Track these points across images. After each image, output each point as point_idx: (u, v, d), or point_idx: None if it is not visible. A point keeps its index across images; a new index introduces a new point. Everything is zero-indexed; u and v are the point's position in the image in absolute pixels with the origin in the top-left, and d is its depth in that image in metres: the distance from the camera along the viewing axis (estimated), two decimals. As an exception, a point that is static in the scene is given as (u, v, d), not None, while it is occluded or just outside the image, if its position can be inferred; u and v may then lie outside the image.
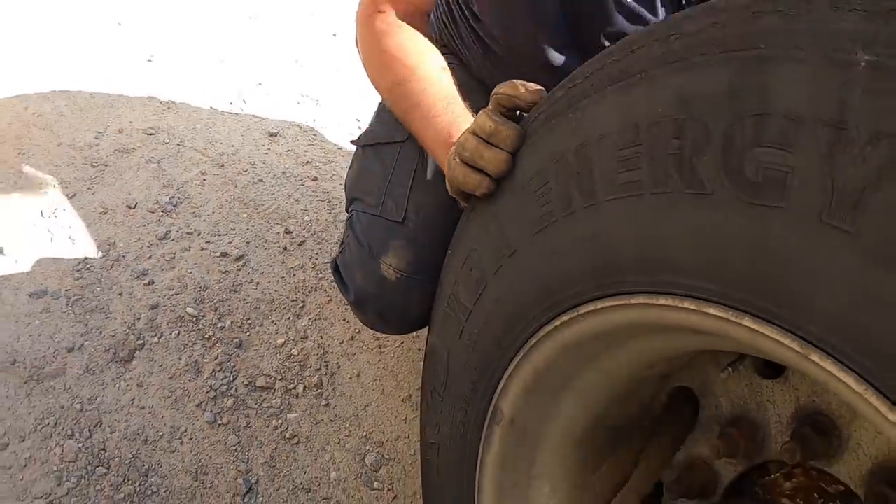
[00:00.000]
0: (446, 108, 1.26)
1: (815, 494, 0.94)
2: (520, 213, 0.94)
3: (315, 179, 2.37)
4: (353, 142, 1.71)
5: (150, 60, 2.70)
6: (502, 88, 0.99)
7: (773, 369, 0.94)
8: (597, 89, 0.79)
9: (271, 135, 2.50)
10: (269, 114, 2.61)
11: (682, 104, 0.70)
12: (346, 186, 1.65)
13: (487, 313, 1.04)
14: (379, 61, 1.39)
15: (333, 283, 2.08)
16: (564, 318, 0.91)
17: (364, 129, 1.70)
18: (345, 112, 2.74)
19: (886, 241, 0.57)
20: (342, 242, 1.58)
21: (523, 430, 1.10)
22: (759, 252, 0.65)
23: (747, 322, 0.68)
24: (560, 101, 0.86)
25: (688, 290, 0.73)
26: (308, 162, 2.44)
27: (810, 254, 0.62)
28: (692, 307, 0.73)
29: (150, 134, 2.38)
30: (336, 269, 1.56)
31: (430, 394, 1.28)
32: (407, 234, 1.44)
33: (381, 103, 1.73)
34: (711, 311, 0.71)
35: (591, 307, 0.87)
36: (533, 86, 0.97)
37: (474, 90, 1.41)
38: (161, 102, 2.53)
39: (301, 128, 2.59)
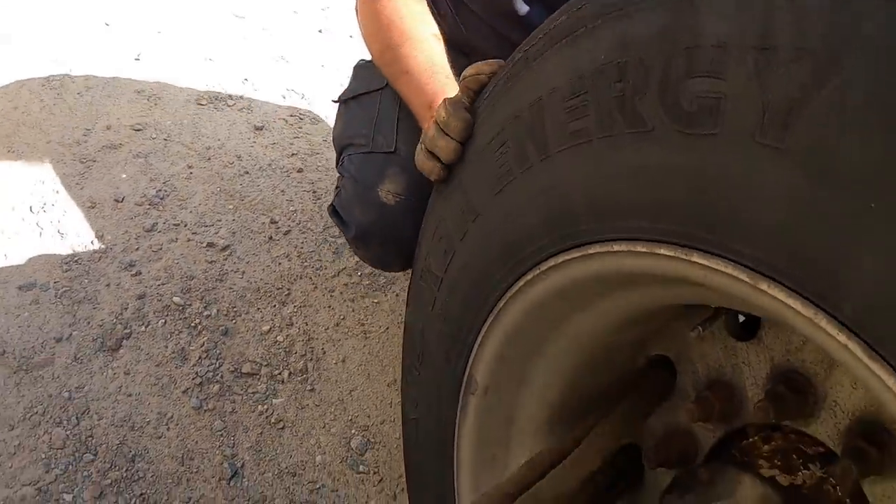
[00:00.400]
0: (432, 77, 1.30)
1: (794, 456, 0.93)
2: (481, 176, 0.96)
3: (300, 171, 2.40)
4: (334, 100, 1.78)
5: (137, 59, 2.73)
6: (467, 72, 1.03)
7: (747, 331, 0.94)
8: (548, 47, 0.82)
9: (257, 128, 2.53)
10: (255, 108, 2.64)
11: (622, 48, 0.72)
12: (334, 141, 1.71)
13: (456, 280, 1.05)
14: (374, 25, 1.44)
15: (319, 271, 2.10)
16: (528, 276, 0.91)
17: (341, 92, 1.77)
18: (329, 106, 2.76)
19: (815, 153, 0.57)
20: (337, 188, 1.62)
21: (498, 399, 1.11)
22: (700, 182, 0.66)
23: (697, 258, 0.68)
24: (518, 62, 0.89)
25: (638, 232, 0.73)
26: (293, 154, 2.46)
27: (747, 176, 0.62)
28: (644, 249, 0.73)
29: (138, 130, 2.41)
30: (334, 213, 1.60)
31: (407, 370, 1.30)
32: (400, 161, 1.49)
33: (355, 66, 1.81)
34: (663, 251, 0.71)
35: (551, 262, 0.87)
36: (493, 61, 1.00)
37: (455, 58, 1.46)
38: (148, 99, 2.55)
39: (287, 121, 2.62)
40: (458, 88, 1.25)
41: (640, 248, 0.74)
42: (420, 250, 1.19)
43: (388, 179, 1.47)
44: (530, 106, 0.85)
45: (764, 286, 0.62)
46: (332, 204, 1.61)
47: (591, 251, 0.81)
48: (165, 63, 2.73)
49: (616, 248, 0.77)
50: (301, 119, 2.65)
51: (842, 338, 0.57)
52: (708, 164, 0.65)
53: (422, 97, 1.30)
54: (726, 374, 0.98)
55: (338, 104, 1.76)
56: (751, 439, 0.98)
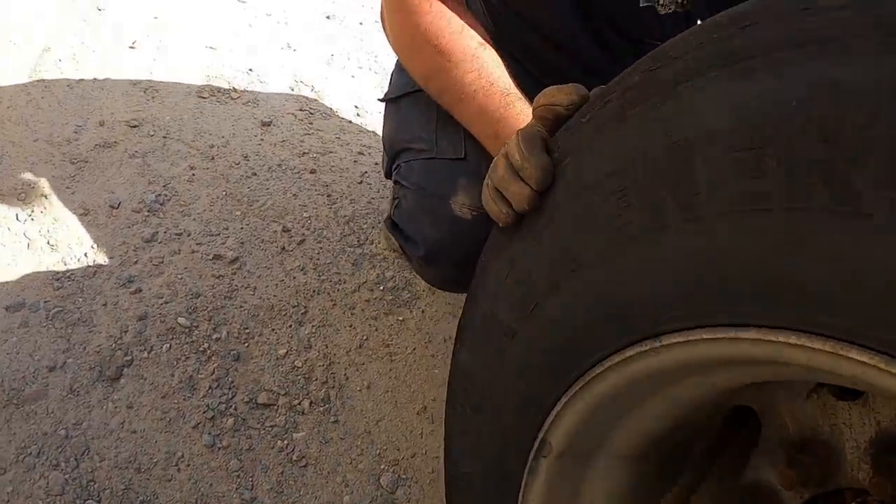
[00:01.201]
0: (491, 100, 1.16)
1: None
2: (585, 224, 0.77)
3: (313, 172, 2.20)
4: (381, 99, 1.60)
5: (132, 47, 2.52)
6: (540, 100, 0.89)
7: (850, 391, 0.81)
8: (697, 72, 0.63)
9: (264, 124, 2.33)
10: (261, 102, 2.43)
11: (831, 97, 0.53)
12: (385, 144, 1.55)
13: (539, 336, 0.88)
14: (412, 47, 1.27)
15: (338, 286, 1.91)
16: (643, 347, 0.75)
17: (388, 88, 1.60)
18: (342, 98, 2.56)
19: None
20: (395, 198, 1.45)
21: (573, 464, 0.97)
22: None
23: (855, 354, 0.54)
24: (638, 86, 0.70)
25: (825, 327, 0.57)
26: (305, 153, 2.26)
27: None
28: (828, 349, 0.57)
29: (134, 126, 2.20)
30: (394, 227, 1.43)
31: (457, 414, 1.14)
32: (473, 170, 1.31)
33: (398, 61, 1.60)
34: (853, 354, 0.55)
35: (679, 338, 0.70)
36: (568, 87, 0.86)
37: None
38: (145, 92, 2.35)
39: (296, 116, 2.41)
40: (525, 108, 1.13)
41: (829, 346, 0.57)
42: (481, 285, 1.01)
43: (461, 190, 1.30)
44: (668, 148, 0.66)
45: None
46: (389, 217, 1.42)
47: (744, 335, 0.64)
48: (163, 52, 2.52)
49: (793, 339, 0.60)
50: (311, 114, 2.44)
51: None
52: None
53: (485, 128, 1.16)
54: (822, 434, 0.86)
55: (384, 103, 1.57)
56: None
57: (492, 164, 0.95)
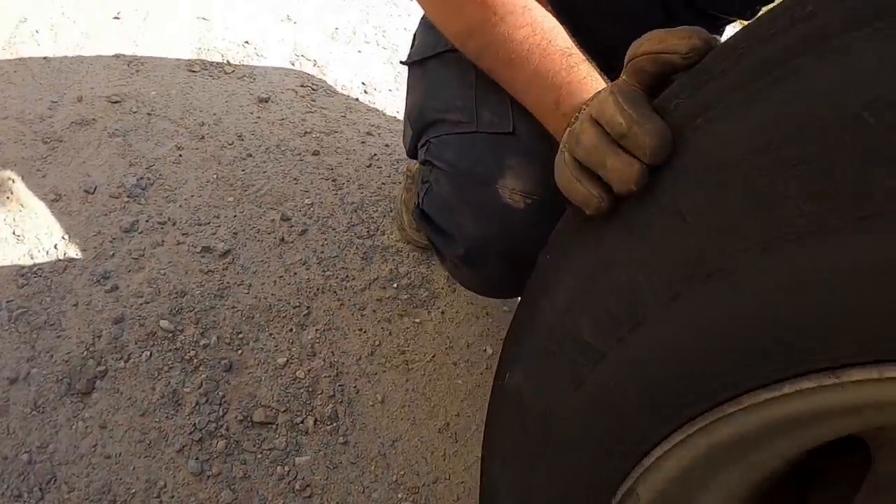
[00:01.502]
0: (550, 60, 0.93)
1: None
2: (732, 209, 0.53)
3: (316, 154, 1.96)
4: (403, 62, 1.35)
5: (117, 17, 2.28)
6: (642, 47, 0.69)
7: None
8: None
9: (262, 100, 2.08)
10: (258, 77, 2.19)
11: None
12: (409, 115, 1.29)
13: (640, 365, 0.65)
14: (446, 2, 1.03)
15: (345, 283, 1.67)
16: (785, 390, 0.55)
17: (411, 50, 1.35)
18: (347, 74, 2.32)
19: None
20: (424, 181, 1.20)
21: None
22: None
23: None
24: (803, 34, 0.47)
25: None
26: (307, 132, 2.02)
27: None
28: None
29: (115, 102, 1.96)
30: (423, 217, 1.19)
31: (509, 444, 0.92)
32: (524, 147, 1.06)
33: (423, 18, 1.36)
34: None
35: (862, 374, 0.50)
36: (684, 30, 0.66)
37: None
38: (129, 65, 2.10)
39: (297, 92, 2.17)
40: (591, 72, 0.93)
41: None
42: (545, 293, 0.79)
43: (510, 172, 1.04)
44: (855, 118, 0.45)
45: None
46: (418, 206, 1.18)
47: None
48: (151, 22, 2.27)
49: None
50: (314, 90, 2.20)
51: None
52: None
53: (542, 95, 0.92)
54: None
55: (408, 67, 1.33)
56: None
57: (571, 134, 0.75)
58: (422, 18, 1.35)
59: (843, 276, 0.47)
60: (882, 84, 0.44)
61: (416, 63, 1.28)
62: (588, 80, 0.90)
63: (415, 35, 1.37)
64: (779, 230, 0.50)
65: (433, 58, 1.22)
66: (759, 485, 0.78)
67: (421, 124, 1.21)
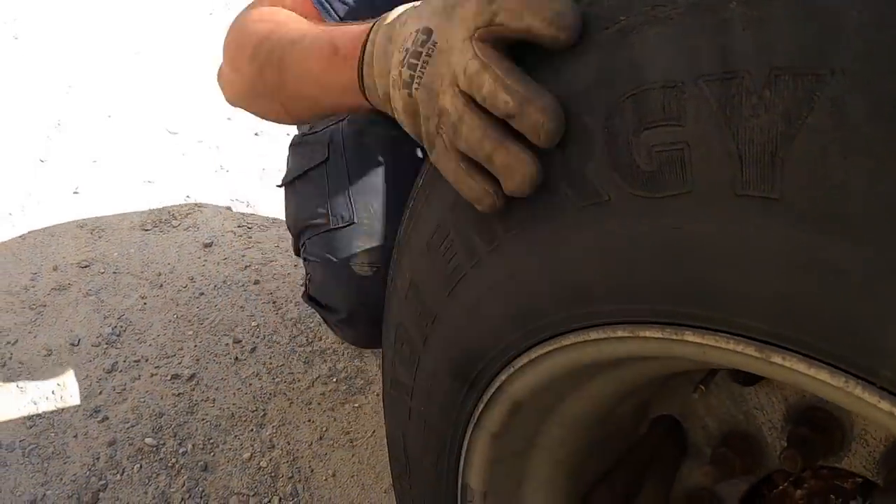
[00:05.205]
0: (332, 28, 0.92)
1: (832, 496, 0.87)
2: (434, 276, 0.85)
3: (257, 283, 2.36)
4: (279, 185, 1.73)
5: (76, 192, 2.69)
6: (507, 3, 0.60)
7: (751, 374, 0.84)
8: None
9: (206, 246, 2.49)
10: (201, 225, 2.60)
11: None
12: (289, 227, 1.66)
13: (428, 388, 0.96)
14: (238, 33, 1.10)
15: (292, 385, 2.05)
16: (503, 376, 0.82)
17: (284, 174, 1.73)
18: (277, 211, 2.73)
19: (816, 197, 0.48)
20: (307, 274, 1.57)
21: (499, 500, 1.02)
22: (676, 251, 0.57)
23: (690, 336, 0.59)
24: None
25: (615, 316, 0.65)
26: (247, 266, 2.43)
27: (732, 236, 0.53)
28: (626, 334, 0.65)
29: (85, 266, 2.35)
30: (310, 300, 1.55)
31: (398, 482, 1.24)
32: (364, 230, 1.45)
33: (290, 144, 1.74)
34: (647, 333, 0.63)
35: (523, 359, 0.78)
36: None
37: None
38: (91, 233, 2.50)
39: (235, 233, 2.58)
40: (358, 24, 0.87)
41: (620, 332, 0.65)
42: (386, 355, 1.08)
43: (358, 252, 1.43)
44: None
45: (778, 359, 0.54)
46: (305, 293, 1.56)
47: (564, 342, 0.72)
48: (105, 193, 2.69)
49: (593, 335, 0.68)
50: (249, 228, 2.61)
51: (885, 405, 0.49)
52: (684, 229, 0.57)
53: (322, 53, 0.88)
54: (740, 424, 0.92)
55: (284, 188, 1.71)
56: (781, 487, 0.93)
57: (435, 112, 0.68)
58: (290, 145, 1.75)
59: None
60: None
61: (288, 184, 1.68)
62: (353, 23, 0.88)
63: (287, 160, 1.76)
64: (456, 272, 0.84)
65: (299, 178, 1.63)
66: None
67: (297, 231, 1.60)
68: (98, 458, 1.82)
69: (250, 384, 2.05)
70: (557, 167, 0.64)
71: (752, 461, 0.91)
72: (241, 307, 2.27)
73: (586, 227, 0.64)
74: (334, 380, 2.09)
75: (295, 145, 1.72)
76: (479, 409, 0.89)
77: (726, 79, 0.51)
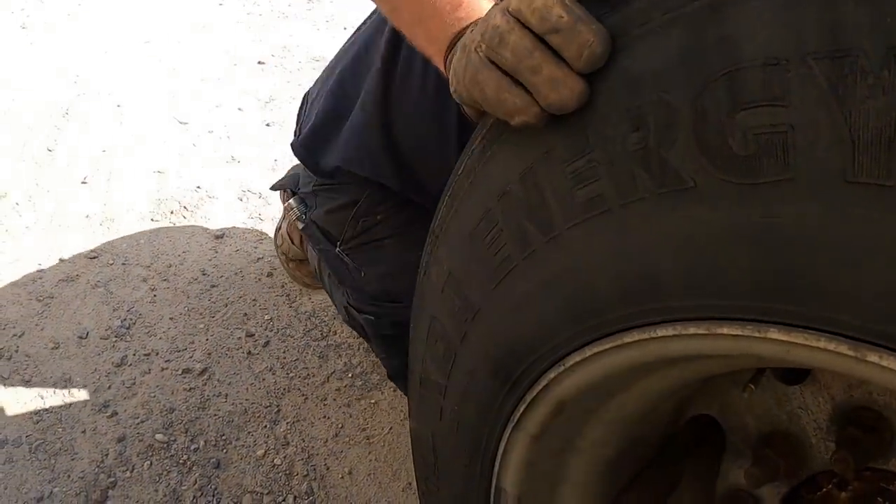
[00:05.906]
0: None
1: (879, 498, 0.85)
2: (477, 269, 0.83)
3: (270, 275, 2.29)
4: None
5: (84, 182, 2.62)
6: None
7: (795, 373, 0.83)
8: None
9: (217, 237, 2.43)
10: (212, 217, 2.53)
11: (631, 90, 0.60)
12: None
13: (464, 386, 0.93)
14: None
15: (307, 380, 1.99)
16: (550, 375, 0.79)
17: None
18: (290, 201, 2.67)
19: None
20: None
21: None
22: (771, 242, 0.54)
23: (775, 334, 0.56)
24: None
25: (690, 311, 0.61)
26: (259, 258, 2.36)
27: (840, 229, 0.50)
28: (701, 331, 0.61)
29: (93, 257, 2.29)
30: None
31: (423, 483, 1.19)
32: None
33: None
34: (725, 330, 0.59)
35: (576, 357, 0.74)
36: None
37: None
38: (101, 224, 2.44)
39: (247, 224, 2.52)
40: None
41: (693, 329, 0.62)
42: (414, 352, 1.04)
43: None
44: (521, 178, 0.71)
45: (875, 358, 0.51)
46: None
47: (627, 339, 0.68)
48: (114, 182, 2.62)
49: (661, 332, 0.65)
50: (262, 220, 2.55)
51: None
52: (782, 220, 0.53)
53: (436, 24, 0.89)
54: (782, 424, 0.89)
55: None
56: (825, 489, 0.90)
57: (488, 29, 0.66)
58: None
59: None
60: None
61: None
62: None
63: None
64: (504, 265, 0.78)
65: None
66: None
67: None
68: (107, 455, 1.76)
69: (264, 379, 1.98)
70: (630, 150, 0.60)
71: (795, 463, 0.88)
72: (254, 300, 2.20)
73: (664, 216, 0.61)
74: (350, 375, 2.03)
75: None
76: (521, 410, 0.86)
77: (837, 57, 0.48)
